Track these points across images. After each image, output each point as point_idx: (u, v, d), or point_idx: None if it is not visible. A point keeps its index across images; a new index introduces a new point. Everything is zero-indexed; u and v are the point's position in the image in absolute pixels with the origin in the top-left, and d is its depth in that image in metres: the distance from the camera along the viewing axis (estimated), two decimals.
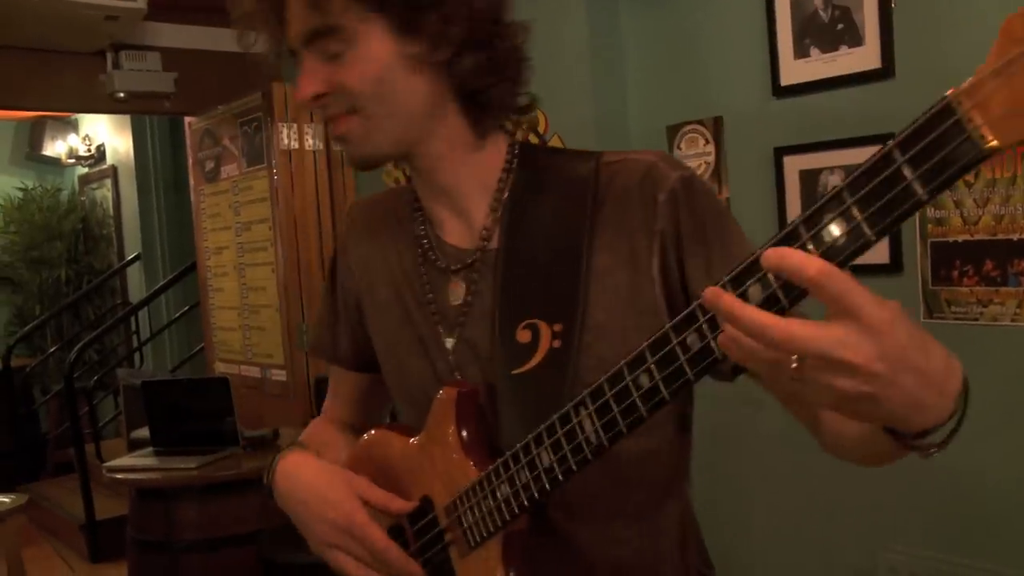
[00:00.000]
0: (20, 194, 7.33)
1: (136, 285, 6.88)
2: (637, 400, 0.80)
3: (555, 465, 0.90)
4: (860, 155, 2.37)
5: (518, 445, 0.93)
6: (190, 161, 4.63)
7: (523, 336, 1.01)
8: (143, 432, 4.24)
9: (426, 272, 1.11)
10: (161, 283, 6.25)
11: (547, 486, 0.91)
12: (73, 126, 7.42)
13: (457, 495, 1.02)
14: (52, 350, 7.05)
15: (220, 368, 4.46)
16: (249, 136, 4.09)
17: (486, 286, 1.06)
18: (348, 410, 1.32)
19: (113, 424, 6.64)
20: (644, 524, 1.06)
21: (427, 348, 1.10)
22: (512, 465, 0.94)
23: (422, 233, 1.12)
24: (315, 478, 1.12)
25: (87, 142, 7.25)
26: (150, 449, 3.14)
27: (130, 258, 6.83)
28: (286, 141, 3.92)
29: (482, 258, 1.06)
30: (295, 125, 3.93)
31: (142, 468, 2.94)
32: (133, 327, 6.70)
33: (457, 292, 1.08)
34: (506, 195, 1.07)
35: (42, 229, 7.23)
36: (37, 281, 7.24)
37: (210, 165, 4.42)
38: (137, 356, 6.72)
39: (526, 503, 0.94)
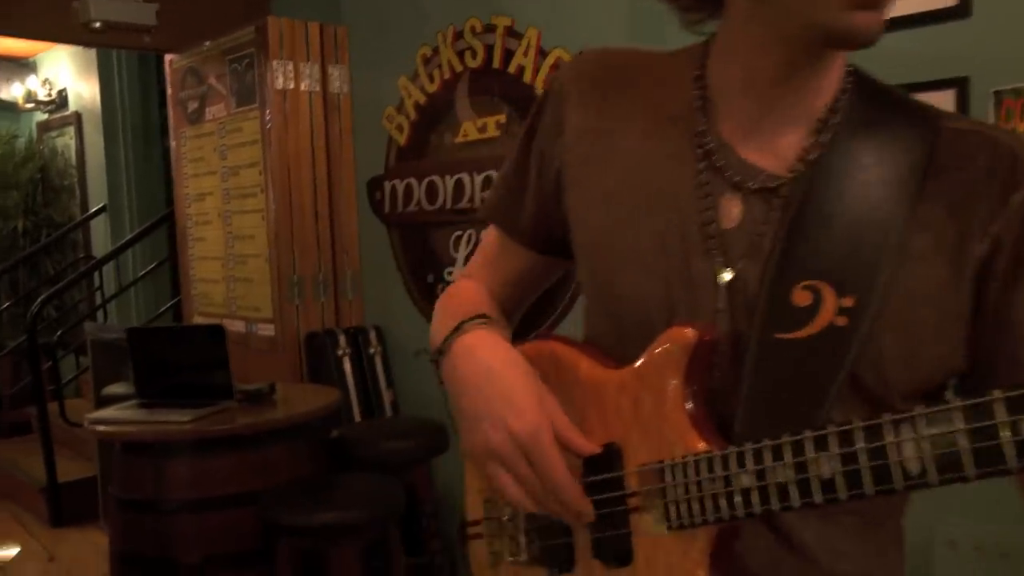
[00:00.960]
0: None
1: (100, 239, 6.55)
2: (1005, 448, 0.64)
3: (838, 480, 0.72)
4: (933, 99, 2.21)
5: (787, 437, 0.75)
6: (170, 102, 4.34)
7: (801, 297, 0.81)
8: (115, 388, 3.99)
9: (708, 181, 0.87)
10: (128, 236, 5.94)
11: (815, 499, 0.73)
12: (31, 68, 7.03)
13: (667, 462, 0.83)
14: (6, 305, 6.70)
15: (199, 322, 4.20)
16: (239, 74, 3.82)
17: (771, 222, 0.84)
18: (502, 289, 1.10)
19: (73, 384, 6.33)
20: (870, 537, 0.88)
21: (675, 270, 0.87)
22: (770, 459, 0.76)
23: (703, 127, 0.89)
24: (506, 371, 0.89)
25: (47, 86, 6.87)
26: (133, 402, 2.89)
27: (95, 210, 6.49)
28: (281, 80, 3.66)
29: (779, 188, 0.85)
30: (290, 63, 3.67)
31: (128, 421, 2.69)
32: (97, 283, 6.38)
33: (731, 215, 0.86)
34: (832, 123, 0.85)
35: None
36: None
37: (193, 106, 4.14)
38: (100, 314, 6.40)
39: (773, 505, 0.76)
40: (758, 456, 0.76)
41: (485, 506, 1.06)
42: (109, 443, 3.32)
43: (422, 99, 3.48)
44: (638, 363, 0.86)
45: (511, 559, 1.02)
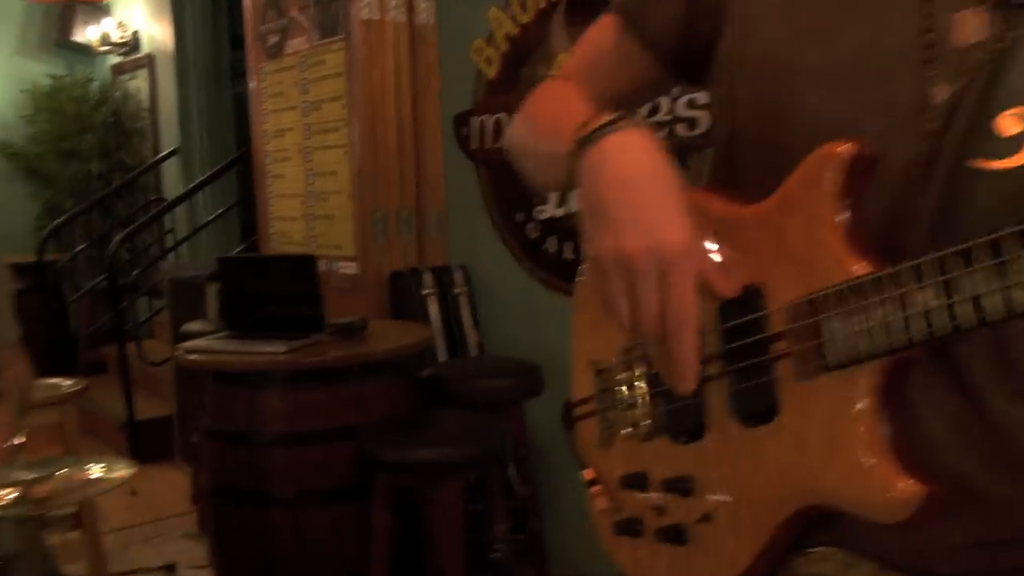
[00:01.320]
0: (49, 82, 6.97)
1: (172, 182, 6.54)
2: None
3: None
4: None
5: (962, 245, 0.63)
6: (248, 37, 4.26)
7: (1008, 124, 0.69)
8: (193, 326, 3.96)
9: None
10: (199, 179, 5.92)
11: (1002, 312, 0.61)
12: (105, 11, 7.00)
13: (821, 291, 0.71)
14: (82, 247, 6.75)
15: None
16: (323, 5, 3.71)
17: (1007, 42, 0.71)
18: (603, 104, 0.90)
19: (146, 326, 6.37)
20: None
21: (873, 93, 0.75)
22: (945, 269, 0.63)
23: None
24: (671, 180, 0.76)
25: (121, 28, 6.84)
26: (222, 334, 2.84)
27: (166, 153, 6.47)
28: (366, 11, 3.54)
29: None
30: None
31: (222, 351, 2.63)
32: (168, 225, 6.39)
33: (964, 32, 0.73)
34: None
35: (73, 120, 6.88)
36: (67, 174, 6.91)
37: (273, 40, 4.05)
38: (172, 256, 6.41)
39: (964, 322, 0.63)
40: (943, 265, 0.64)
41: (597, 378, 0.97)
42: (195, 377, 3.29)
43: (514, 30, 3.35)
44: (781, 190, 0.75)
45: (628, 431, 0.92)
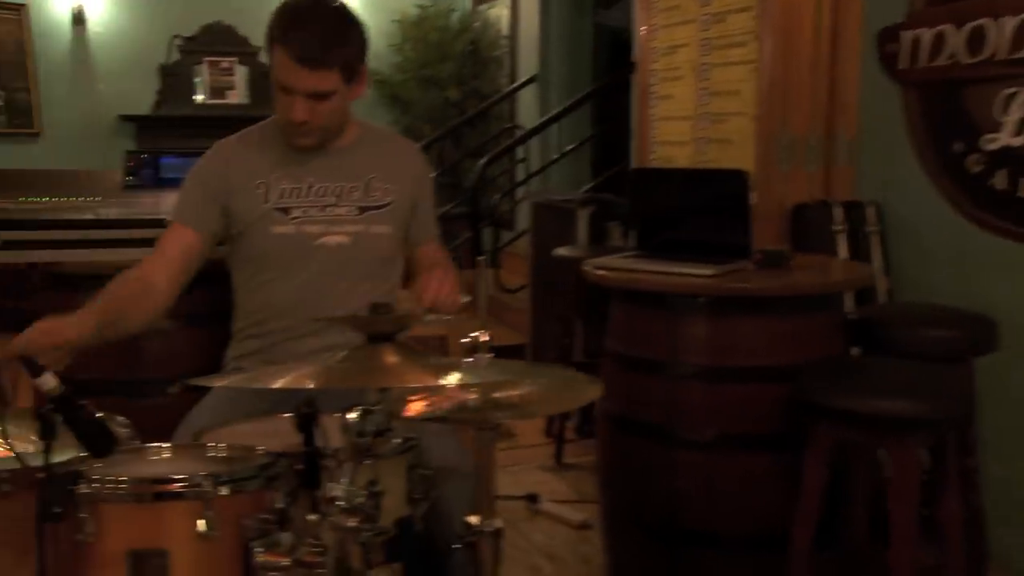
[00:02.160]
0: (417, 11, 7.18)
1: (527, 111, 6.51)
2: None
3: None
4: None
5: None
6: None
7: None
8: (563, 251, 3.82)
9: None
10: (555, 110, 5.82)
11: None
12: None
13: None
14: (434, 174, 6.90)
15: None
16: None
17: None
18: None
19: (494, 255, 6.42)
20: None
21: None
22: None
23: None
24: None
25: None
26: (629, 254, 2.61)
27: (524, 80, 6.43)
28: None
29: None
30: None
31: (641, 269, 2.40)
32: (521, 155, 6.38)
33: None
34: None
35: (435, 48, 7.04)
36: (425, 102, 7.10)
37: None
38: (522, 187, 6.40)
39: None
40: None
41: None
42: (554, 303, 3.10)
43: None
44: None
45: None
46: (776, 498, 2.24)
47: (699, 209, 2.48)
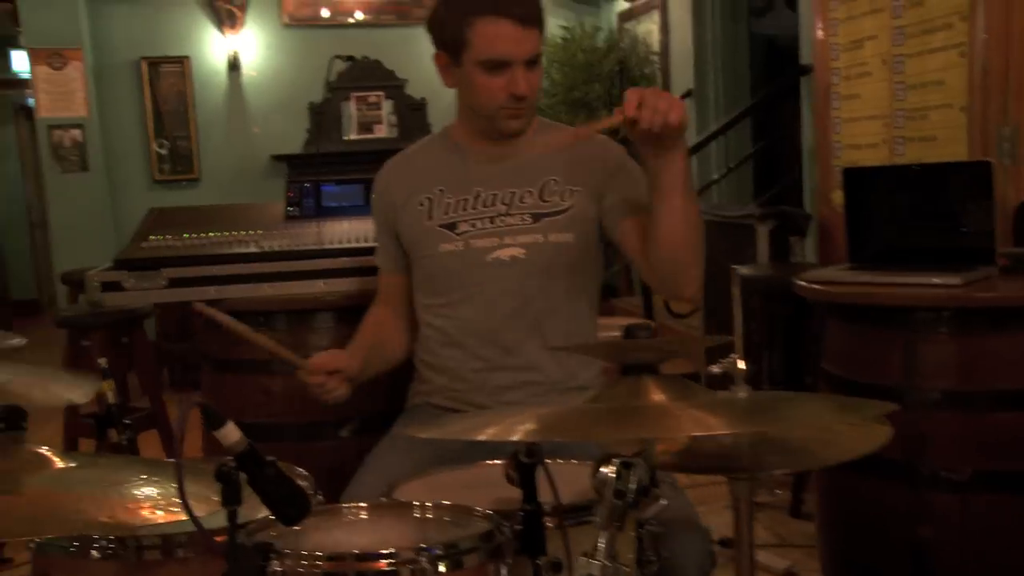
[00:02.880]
0: (562, 33, 7.02)
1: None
2: None
3: None
4: None
5: None
6: None
7: None
8: (744, 270, 3.52)
9: None
10: (713, 127, 5.52)
11: None
12: None
13: None
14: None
15: (841, 198, 3.55)
16: None
17: None
18: None
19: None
20: None
21: None
22: None
23: None
24: None
25: None
26: (844, 266, 2.29)
27: (681, 96, 6.15)
28: None
29: None
30: None
31: (867, 282, 2.08)
32: None
33: None
34: None
35: (583, 69, 6.85)
36: (575, 124, 6.90)
37: None
38: None
39: None
40: None
41: None
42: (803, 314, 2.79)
43: None
44: None
45: None
46: None
47: (931, 210, 2.14)
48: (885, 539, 2.05)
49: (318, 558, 0.98)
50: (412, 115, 7.37)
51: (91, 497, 1.07)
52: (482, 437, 0.98)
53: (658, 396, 0.93)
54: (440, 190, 1.89)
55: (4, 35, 7.47)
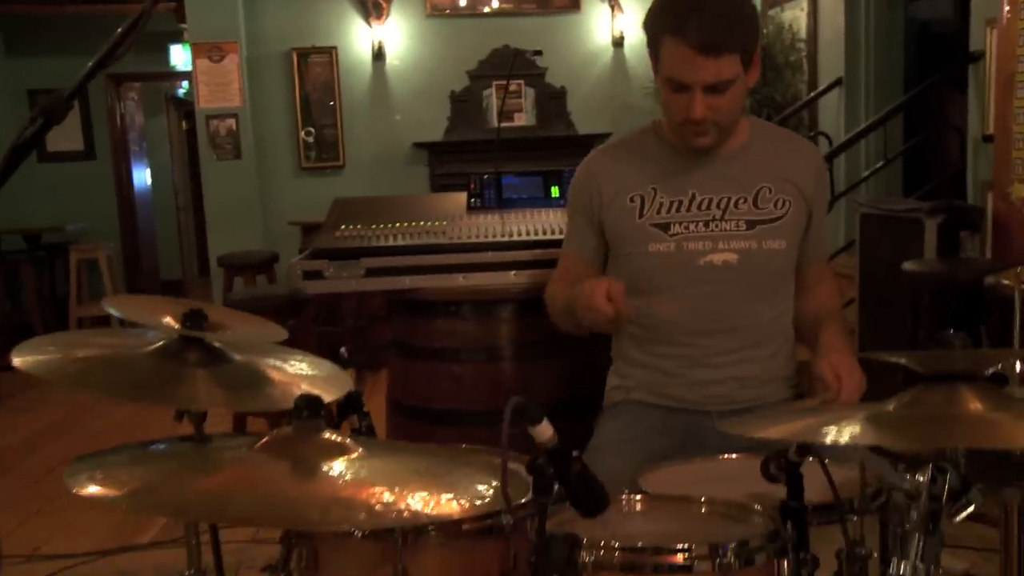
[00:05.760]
0: None
1: (831, 117, 6.08)
2: None
3: None
4: None
5: None
6: None
7: None
8: (911, 265, 3.44)
9: None
10: (864, 119, 5.38)
11: None
12: None
13: None
14: None
15: (1022, 191, 3.42)
16: None
17: None
18: None
19: None
20: None
21: None
22: None
23: None
24: None
25: None
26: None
27: (828, 85, 6.01)
28: None
29: None
30: None
31: None
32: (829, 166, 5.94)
33: None
34: None
35: None
36: None
37: None
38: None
39: None
40: None
41: None
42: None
43: None
44: None
45: None
46: None
47: None
48: None
49: (619, 548, 1.03)
50: (552, 103, 7.41)
51: (384, 485, 1.13)
52: (809, 438, 1.01)
53: (974, 405, 0.94)
54: (653, 188, 1.92)
55: (165, 31, 7.82)
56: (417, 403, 2.63)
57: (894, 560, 0.97)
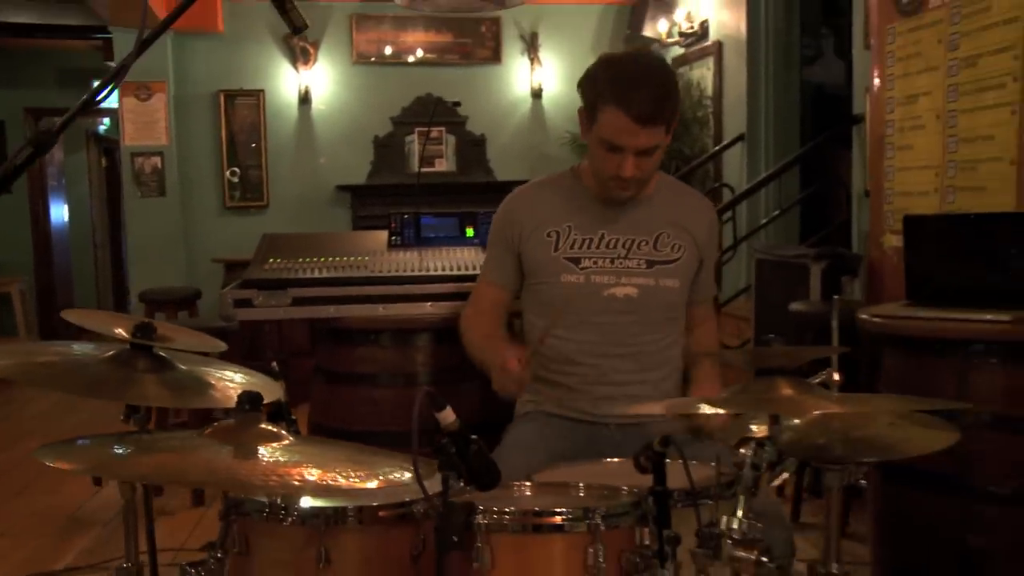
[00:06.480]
0: None
1: (734, 171, 6.48)
2: None
3: None
4: None
5: None
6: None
7: None
8: (798, 306, 3.77)
9: None
10: (764, 172, 5.79)
11: None
12: (675, 3, 7.17)
13: None
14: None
15: (892, 241, 3.79)
16: None
17: None
18: None
19: None
20: None
21: None
22: None
23: None
24: None
25: (689, 19, 6.94)
26: (904, 303, 2.54)
27: (732, 140, 6.41)
28: None
29: None
30: None
31: (927, 318, 2.33)
32: (728, 216, 6.33)
33: None
34: None
35: None
36: None
37: None
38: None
39: None
40: None
41: None
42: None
43: None
44: None
45: None
46: None
47: (982, 255, 2.40)
48: (936, 548, 2.28)
49: (511, 514, 1.25)
50: (472, 150, 7.69)
51: (311, 467, 1.34)
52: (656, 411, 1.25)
53: (787, 391, 1.20)
54: (568, 226, 2.17)
55: (90, 67, 7.90)
56: (339, 426, 2.82)
57: (724, 517, 1.22)
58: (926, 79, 3.61)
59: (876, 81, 3.93)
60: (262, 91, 7.39)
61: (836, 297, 2.97)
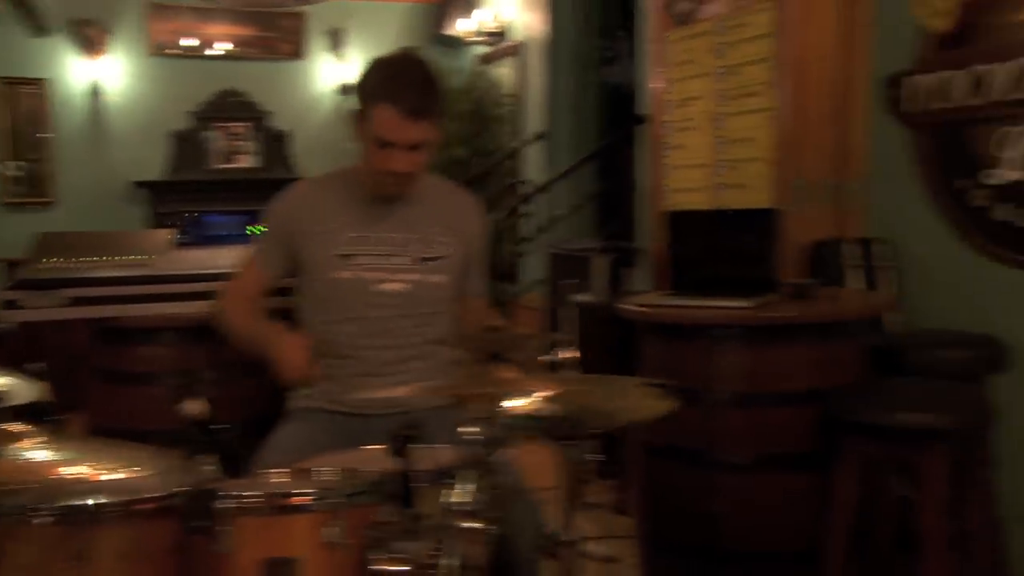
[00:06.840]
0: None
1: (533, 168, 6.69)
2: None
3: None
4: None
5: None
6: (650, 6, 4.21)
7: None
8: (582, 297, 3.98)
9: None
10: (563, 167, 6.01)
11: None
12: (477, 4, 7.32)
13: None
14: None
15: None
16: None
17: None
18: None
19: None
20: None
21: None
22: None
23: None
24: None
25: (494, 20, 7.10)
26: (661, 292, 2.75)
27: (534, 136, 6.61)
28: None
29: None
30: None
31: (679, 304, 2.53)
32: (530, 210, 6.53)
33: None
34: None
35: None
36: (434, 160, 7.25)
37: (683, 7, 3.96)
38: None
39: None
40: None
41: None
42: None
43: None
44: None
45: None
46: (812, 515, 2.36)
47: (734, 247, 2.63)
48: (685, 515, 2.50)
49: (255, 497, 1.31)
50: (275, 146, 7.58)
51: (63, 462, 1.35)
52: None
53: (505, 373, 1.32)
54: (342, 223, 2.22)
55: None
56: (120, 426, 2.76)
57: (456, 489, 1.32)
58: (698, 84, 3.88)
59: (656, 84, 4.19)
60: (46, 80, 7.00)
61: (572, 297, 3.15)
